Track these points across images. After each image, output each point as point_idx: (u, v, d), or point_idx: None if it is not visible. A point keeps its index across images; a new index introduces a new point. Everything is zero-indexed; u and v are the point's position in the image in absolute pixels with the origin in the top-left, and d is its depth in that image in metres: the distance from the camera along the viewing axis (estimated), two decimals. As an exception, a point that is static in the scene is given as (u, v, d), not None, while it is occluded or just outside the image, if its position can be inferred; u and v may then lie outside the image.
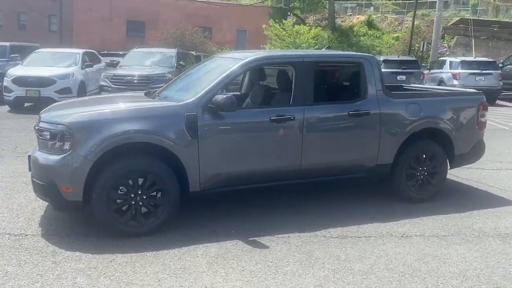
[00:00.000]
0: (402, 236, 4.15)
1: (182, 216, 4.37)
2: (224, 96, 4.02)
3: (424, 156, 5.05)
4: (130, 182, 3.88)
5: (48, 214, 4.47)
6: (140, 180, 3.94)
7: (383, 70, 16.02)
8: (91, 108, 4.25)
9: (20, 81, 11.35)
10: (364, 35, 36.11)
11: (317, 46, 29.10)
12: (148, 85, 10.82)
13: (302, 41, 28.06)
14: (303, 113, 4.41)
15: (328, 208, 4.84)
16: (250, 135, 4.29)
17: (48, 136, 3.87)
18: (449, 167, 5.37)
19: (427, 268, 3.51)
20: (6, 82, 11.45)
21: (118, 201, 3.89)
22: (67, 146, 3.76)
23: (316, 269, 3.46)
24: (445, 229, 4.36)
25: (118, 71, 12.44)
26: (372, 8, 44.83)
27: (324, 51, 5.64)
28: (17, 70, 11.83)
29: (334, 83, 5.77)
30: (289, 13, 35.26)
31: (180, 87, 4.86)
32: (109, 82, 11.87)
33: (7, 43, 14.68)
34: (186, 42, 27.58)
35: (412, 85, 7.57)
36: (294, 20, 35.61)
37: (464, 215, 4.76)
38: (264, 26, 29.55)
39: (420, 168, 5.04)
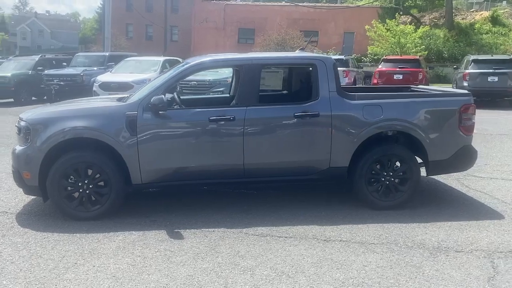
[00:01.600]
0: (324, 240, 4.06)
1: (138, 206, 4.87)
2: (157, 97, 4.39)
3: (389, 161, 4.78)
4: (78, 172, 4.47)
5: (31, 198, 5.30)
6: (89, 172, 4.52)
7: (471, 70, 14.84)
8: (53, 108, 4.98)
9: (105, 86, 13.06)
10: (487, 33, 32.81)
11: (423, 46, 27.45)
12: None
13: (408, 41, 26.67)
14: (245, 114, 4.56)
15: (279, 208, 4.88)
16: (189, 134, 4.58)
17: (17, 131, 4.68)
18: (425, 174, 4.98)
19: (314, 271, 3.45)
20: (95, 87, 13.26)
21: (68, 188, 4.52)
22: (28, 139, 4.50)
23: (203, 261, 3.63)
24: (380, 237, 4.13)
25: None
26: (504, 2, 40.41)
27: (275, 54, 5.67)
28: (104, 77, 13.60)
29: (285, 85, 5.75)
30: (400, 12, 33.62)
31: (141, 91, 5.34)
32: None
33: (107, 53, 16.86)
34: (287, 47, 28.20)
35: (423, 87, 6.98)
36: (409, 19, 33.95)
37: (423, 225, 4.41)
38: (366, 27, 28.73)
39: (385, 173, 4.79)
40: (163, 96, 4.44)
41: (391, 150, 4.79)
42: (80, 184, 4.49)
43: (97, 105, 5.06)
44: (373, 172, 4.78)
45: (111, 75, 13.70)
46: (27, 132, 4.52)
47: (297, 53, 5.72)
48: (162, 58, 14.58)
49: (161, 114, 4.47)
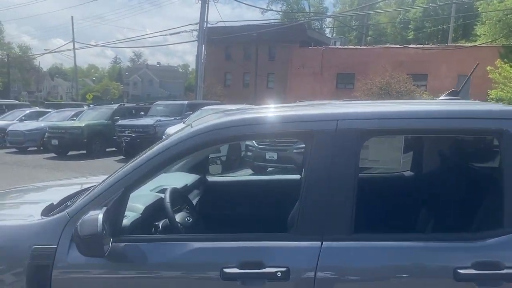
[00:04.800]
0: None
1: None
2: (91, 214, 1.97)
3: None
4: None
5: None
6: None
7: None
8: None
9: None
10: None
11: None
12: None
13: (542, 85, 22.05)
14: (315, 265, 1.92)
15: None
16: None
17: None
18: None
19: None
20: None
21: None
22: None
23: None
24: None
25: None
26: None
27: (398, 103, 2.71)
28: (174, 128, 11.85)
29: (418, 180, 3.12)
30: (529, 51, 28.74)
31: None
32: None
33: (185, 102, 15.46)
34: (392, 91, 25.12)
35: None
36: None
37: None
38: (488, 68, 24.52)
39: None
40: (100, 215, 1.92)
41: None
42: None
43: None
44: None
45: (182, 127, 11.97)
46: None
47: (452, 103, 2.54)
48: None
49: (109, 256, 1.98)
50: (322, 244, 1.87)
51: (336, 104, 2.61)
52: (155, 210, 2.48)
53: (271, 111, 2.29)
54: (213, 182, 3.55)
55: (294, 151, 9.63)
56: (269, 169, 10.82)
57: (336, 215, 1.89)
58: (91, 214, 1.86)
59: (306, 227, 1.91)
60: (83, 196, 2.14)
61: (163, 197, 2.48)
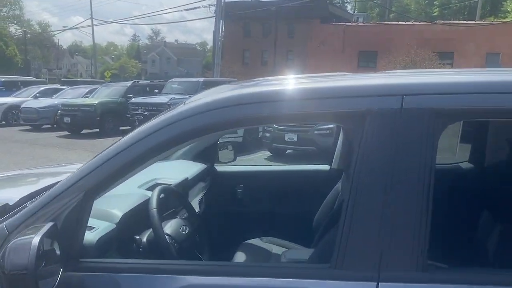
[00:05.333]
0: None
1: None
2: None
3: None
4: None
5: None
6: None
7: None
8: None
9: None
10: None
11: None
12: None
13: None
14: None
15: None
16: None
17: None
18: None
19: None
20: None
21: None
22: None
23: None
24: None
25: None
26: None
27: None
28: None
29: None
30: None
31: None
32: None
33: (201, 79, 14.91)
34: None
35: None
36: None
37: None
38: (521, 45, 23.19)
39: None
40: (35, 238, 1.23)
41: None
42: None
43: None
44: None
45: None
46: None
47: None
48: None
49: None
50: (378, 285, 1.24)
51: (397, 73, 1.74)
52: (138, 217, 1.85)
53: (298, 82, 1.59)
54: (223, 172, 2.95)
55: (316, 132, 9.00)
56: (288, 151, 10.22)
57: (400, 241, 1.24)
58: (22, 237, 1.24)
59: (352, 257, 1.25)
60: (31, 201, 1.55)
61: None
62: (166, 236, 1.72)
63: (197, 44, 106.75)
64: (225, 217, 2.77)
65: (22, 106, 16.30)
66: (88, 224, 1.48)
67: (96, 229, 1.60)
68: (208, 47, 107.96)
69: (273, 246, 2.57)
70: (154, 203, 1.76)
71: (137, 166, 1.42)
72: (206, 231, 2.13)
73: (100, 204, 1.64)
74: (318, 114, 1.43)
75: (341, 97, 1.36)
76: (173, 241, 1.76)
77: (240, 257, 2.42)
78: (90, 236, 1.53)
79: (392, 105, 1.29)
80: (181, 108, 1.48)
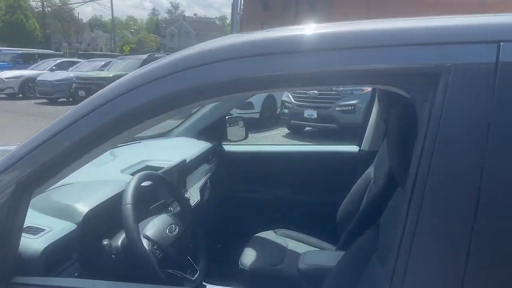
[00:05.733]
0: None
1: None
2: None
3: None
4: None
5: None
6: None
7: None
8: None
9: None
10: None
11: None
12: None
13: None
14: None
15: None
16: None
17: None
18: None
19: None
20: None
21: None
22: None
23: None
24: None
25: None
26: None
27: None
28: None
29: None
30: None
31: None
32: None
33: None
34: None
35: None
36: None
37: None
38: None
39: None
40: None
41: None
42: None
43: None
44: None
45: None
46: None
47: None
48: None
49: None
50: None
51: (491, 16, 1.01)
52: (110, 214, 1.37)
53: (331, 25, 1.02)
54: (232, 153, 2.52)
55: (337, 109, 8.49)
56: (307, 128, 9.74)
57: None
58: None
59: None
60: None
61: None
62: (145, 241, 1.29)
63: (216, 18, 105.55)
64: (233, 206, 2.36)
65: (38, 79, 16.10)
66: (36, 226, 1.07)
67: (46, 232, 1.17)
68: (227, 21, 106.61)
69: (288, 241, 2.16)
70: (129, 196, 1.31)
71: (97, 146, 0.98)
72: (201, 232, 1.67)
73: (58, 195, 1.23)
74: (359, 73, 0.92)
75: (399, 46, 0.88)
76: (155, 247, 1.33)
77: (249, 254, 2.03)
78: (34, 244, 1.11)
79: (482, 57, 0.82)
80: (150, 66, 1.01)
